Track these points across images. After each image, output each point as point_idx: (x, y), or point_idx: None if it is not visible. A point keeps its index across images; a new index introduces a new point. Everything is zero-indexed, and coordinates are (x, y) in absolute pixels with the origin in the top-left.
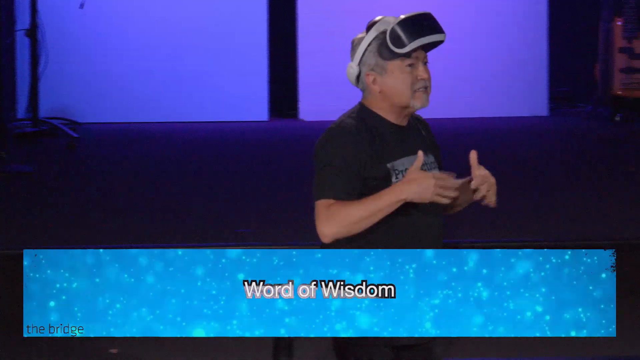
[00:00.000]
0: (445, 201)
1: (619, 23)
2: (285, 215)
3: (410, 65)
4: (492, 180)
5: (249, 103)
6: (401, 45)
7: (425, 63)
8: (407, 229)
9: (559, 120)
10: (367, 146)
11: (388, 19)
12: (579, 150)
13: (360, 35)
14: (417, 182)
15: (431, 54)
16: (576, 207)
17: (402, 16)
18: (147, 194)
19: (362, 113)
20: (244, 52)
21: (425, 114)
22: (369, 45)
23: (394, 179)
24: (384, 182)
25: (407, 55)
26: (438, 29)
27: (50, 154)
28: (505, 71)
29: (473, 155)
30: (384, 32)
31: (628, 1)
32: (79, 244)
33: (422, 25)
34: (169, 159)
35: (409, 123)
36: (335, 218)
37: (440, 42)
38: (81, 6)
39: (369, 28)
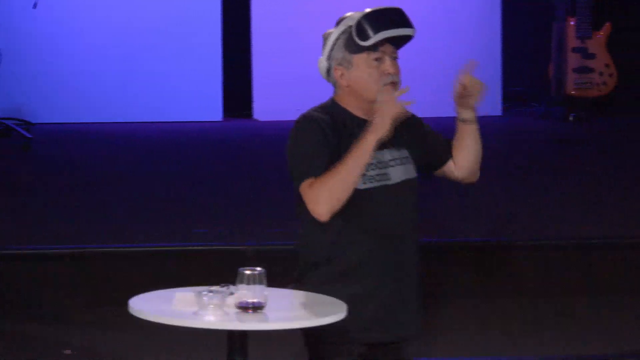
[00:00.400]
0: (406, 103)
1: (572, 23)
2: (240, 214)
3: (377, 59)
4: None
5: (203, 103)
6: (366, 37)
7: (394, 58)
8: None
9: (512, 120)
10: (331, 136)
11: (356, 14)
12: (532, 150)
13: (330, 30)
14: (375, 114)
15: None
16: (529, 206)
17: (369, 9)
18: (101, 194)
19: (331, 108)
20: (197, 51)
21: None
22: (337, 39)
23: None
24: None
25: (373, 48)
26: (405, 24)
27: (4, 154)
28: (459, 71)
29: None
30: (351, 26)
31: (581, 1)
32: (34, 245)
33: (388, 18)
34: (123, 159)
35: None
36: (323, 194)
37: (409, 37)
38: (34, 6)
39: (338, 23)
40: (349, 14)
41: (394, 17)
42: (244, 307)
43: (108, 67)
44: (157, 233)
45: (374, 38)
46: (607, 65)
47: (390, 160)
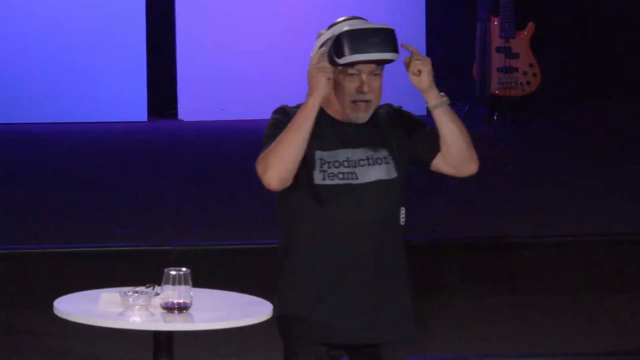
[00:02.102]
0: (324, 77)
1: (496, 23)
2: (165, 215)
3: (352, 75)
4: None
5: (128, 103)
6: (340, 55)
7: (376, 74)
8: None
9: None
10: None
11: (343, 24)
12: None
13: (322, 30)
14: (309, 77)
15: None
16: (452, 207)
17: (347, 27)
18: (24, 195)
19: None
20: (121, 51)
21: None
22: (323, 43)
23: (317, 169)
24: (304, 167)
25: (350, 65)
26: (385, 48)
27: None
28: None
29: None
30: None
31: (504, 1)
32: None
33: (366, 40)
34: (46, 160)
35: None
36: (270, 160)
37: (387, 60)
38: None
39: (330, 26)
40: (341, 19)
41: (374, 39)
42: (170, 308)
43: (30, 67)
44: (81, 234)
45: (347, 59)
46: (530, 65)
47: (362, 159)
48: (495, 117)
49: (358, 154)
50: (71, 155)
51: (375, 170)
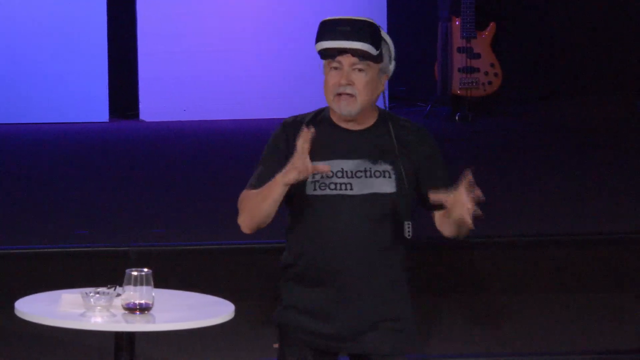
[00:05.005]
0: (295, 178)
1: (457, 23)
2: (125, 215)
3: (335, 68)
4: (466, 204)
5: (89, 103)
6: (316, 43)
7: (360, 70)
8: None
9: None
10: (294, 140)
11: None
12: None
13: None
14: (294, 159)
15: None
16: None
17: (328, 18)
18: None
19: (323, 109)
20: (82, 51)
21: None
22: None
23: (309, 179)
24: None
25: (331, 57)
26: (354, 37)
27: None
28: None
29: (468, 177)
30: None
31: (465, 1)
32: None
33: (336, 29)
34: (5, 161)
35: (370, 127)
36: (243, 206)
37: (358, 50)
38: None
39: None
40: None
41: (344, 28)
42: (131, 309)
43: None
44: (40, 234)
45: (318, 45)
46: (492, 65)
47: (359, 171)
48: (456, 117)
49: (355, 165)
50: (31, 156)
51: (373, 182)
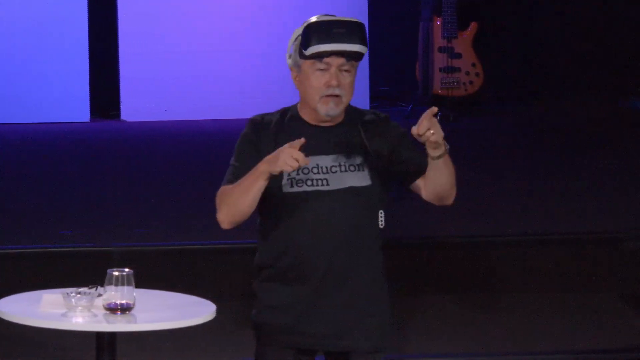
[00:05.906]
0: (289, 169)
1: (439, 23)
2: (107, 215)
3: (321, 69)
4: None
5: (70, 103)
6: (307, 47)
7: (345, 70)
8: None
9: None
10: (265, 137)
11: (312, 18)
12: None
13: (297, 29)
14: (273, 154)
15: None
16: (394, 207)
17: (314, 18)
18: None
19: (289, 108)
20: (63, 51)
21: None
22: (295, 40)
23: (285, 177)
24: (273, 177)
25: (318, 59)
26: (350, 39)
27: None
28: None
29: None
30: None
31: (447, 1)
32: None
33: (330, 31)
34: None
35: (341, 123)
36: (222, 201)
37: (354, 52)
38: None
39: (303, 24)
40: (313, 17)
41: (338, 30)
42: (113, 309)
43: None
44: (22, 234)
45: (310, 50)
46: (473, 65)
47: (334, 166)
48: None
49: (329, 160)
50: (12, 156)
51: (348, 177)
